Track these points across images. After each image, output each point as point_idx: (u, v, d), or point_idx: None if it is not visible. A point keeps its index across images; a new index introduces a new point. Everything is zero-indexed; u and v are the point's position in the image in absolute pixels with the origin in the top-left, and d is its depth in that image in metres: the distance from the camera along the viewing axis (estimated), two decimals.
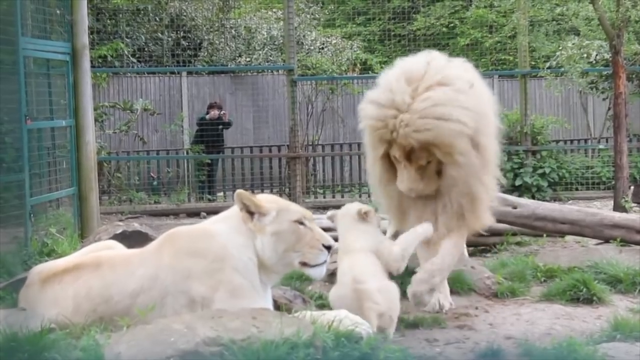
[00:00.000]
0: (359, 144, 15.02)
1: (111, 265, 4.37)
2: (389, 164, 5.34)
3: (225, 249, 4.23)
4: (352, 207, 5.08)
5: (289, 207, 4.47)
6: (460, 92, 5.14)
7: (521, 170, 13.30)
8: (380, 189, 5.59)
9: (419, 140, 5.02)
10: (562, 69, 11.34)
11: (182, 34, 16.36)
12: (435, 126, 5.01)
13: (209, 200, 13.70)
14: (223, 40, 16.84)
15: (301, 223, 4.36)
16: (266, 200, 4.44)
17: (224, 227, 4.35)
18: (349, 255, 4.81)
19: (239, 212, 4.38)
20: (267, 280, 4.39)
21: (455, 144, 5.07)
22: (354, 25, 18.67)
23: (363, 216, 4.98)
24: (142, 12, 16.06)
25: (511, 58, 16.82)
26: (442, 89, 5.11)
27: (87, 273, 4.35)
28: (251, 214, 4.33)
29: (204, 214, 12.38)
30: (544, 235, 7.69)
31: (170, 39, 16.29)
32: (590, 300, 5.45)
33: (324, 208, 12.79)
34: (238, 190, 4.41)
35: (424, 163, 5.15)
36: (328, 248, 4.39)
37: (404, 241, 4.95)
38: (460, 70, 5.35)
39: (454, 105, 5.06)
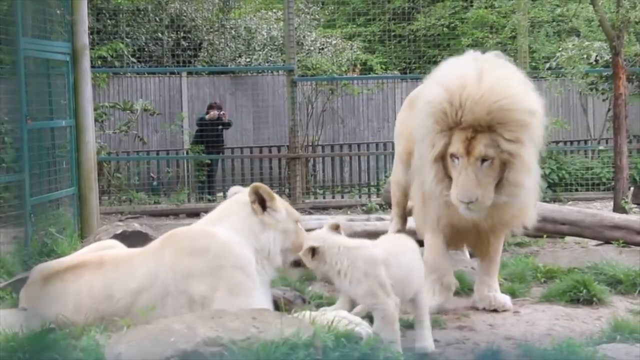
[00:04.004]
0: (358, 145, 15.07)
1: (113, 264, 4.36)
2: (444, 173, 4.93)
3: (225, 247, 4.25)
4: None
5: (289, 207, 4.63)
6: (526, 83, 5.00)
7: None
8: (433, 203, 5.21)
9: (490, 112, 4.63)
10: (563, 70, 11.34)
11: (182, 34, 16.35)
12: (510, 102, 4.67)
13: (209, 200, 13.67)
14: (223, 40, 16.83)
15: (297, 223, 4.55)
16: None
17: (222, 227, 4.40)
18: None
19: (236, 211, 4.46)
20: (266, 273, 4.39)
21: (529, 125, 4.69)
22: (354, 26, 18.63)
23: None
24: (142, 12, 16.05)
25: (511, 59, 16.77)
26: (509, 72, 4.98)
27: (89, 271, 4.35)
28: (263, 207, 4.41)
29: (203, 214, 12.35)
30: (544, 236, 7.69)
31: (170, 40, 16.28)
32: (590, 301, 5.44)
33: (324, 208, 12.83)
34: (256, 183, 4.48)
35: (487, 154, 4.70)
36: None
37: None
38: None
39: (526, 86, 4.89)
